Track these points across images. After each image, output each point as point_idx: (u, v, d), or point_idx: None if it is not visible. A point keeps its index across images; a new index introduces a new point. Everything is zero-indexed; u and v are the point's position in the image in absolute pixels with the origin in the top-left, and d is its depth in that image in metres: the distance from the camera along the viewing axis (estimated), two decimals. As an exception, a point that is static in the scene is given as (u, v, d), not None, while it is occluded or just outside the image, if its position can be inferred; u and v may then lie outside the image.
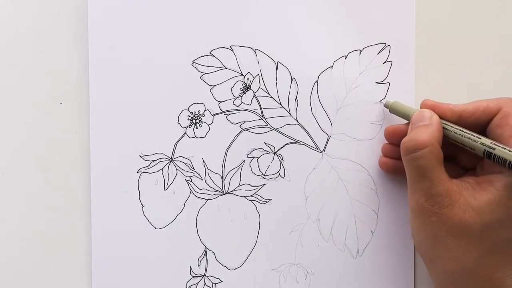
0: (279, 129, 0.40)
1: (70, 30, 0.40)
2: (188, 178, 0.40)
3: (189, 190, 0.40)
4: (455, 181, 0.33)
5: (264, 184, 0.40)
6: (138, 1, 0.39)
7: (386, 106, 0.39)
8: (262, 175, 0.40)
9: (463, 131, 0.34)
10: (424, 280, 0.40)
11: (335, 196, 0.40)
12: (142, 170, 0.40)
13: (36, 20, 0.40)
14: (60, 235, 0.40)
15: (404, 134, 0.36)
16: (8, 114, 0.40)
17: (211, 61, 0.40)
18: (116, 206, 0.39)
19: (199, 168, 0.40)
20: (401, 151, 0.34)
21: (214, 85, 0.40)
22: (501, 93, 0.41)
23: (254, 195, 0.40)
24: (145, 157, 0.40)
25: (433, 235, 0.33)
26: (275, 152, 0.40)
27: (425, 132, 0.34)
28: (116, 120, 0.39)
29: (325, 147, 0.40)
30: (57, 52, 0.40)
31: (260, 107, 0.40)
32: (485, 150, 0.33)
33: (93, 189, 0.39)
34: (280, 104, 0.40)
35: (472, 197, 0.32)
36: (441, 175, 0.33)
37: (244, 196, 0.40)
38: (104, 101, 0.39)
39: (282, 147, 0.40)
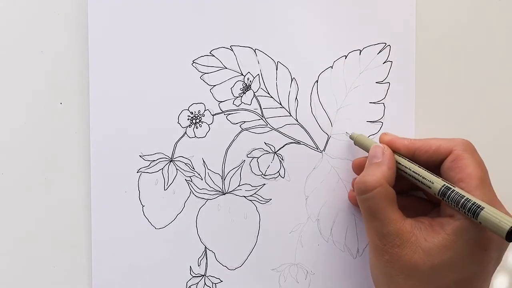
0: (279, 129, 0.40)
1: (70, 30, 0.40)
2: (188, 178, 0.40)
3: (189, 190, 0.40)
4: (408, 220, 0.33)
5: (264, 184, 0.40)
6: (138, 1, 0.39)
7: (351, 138, 0.39)
8: (262, 175, 0.40)
9: (416, 172, 0.34)
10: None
11: (335, 196, 0.40)
12: (142, 170, 0.40)
13: (36, 20, 0.40)
14: (60, 235, 0.40)
15: None
16: (8, 114, 0.40)
17: (211, 61, 0.40)
18: (116, 206, 0.39)
19: (199, 168, 0.40)
20: (354, 191, 0.35)
21: (214, 85, 0.40)
22: (502, 91, 0.42)
23: (254, 195, 0.40)
24: (145, 157, 0.40)
25: (386, 273, 0.33)
26: (275, 152, 0.40)
27: (375, 172, 0.34)
28: (116, 120, 0.39)
29: (325, 147, 0.40)
30: (57, 52, 0.40)
31: (260, 107, 0.40)
32: (439, 190, 0.33)
33: (93, 189, 0.39)
34: (280, 104, 0.40)
35: (423, 239, 0.32)
36: (391, 215, 0.33)
37: (244, 196, 0.40)
38: (104, 101, 0.39)
39: (282, 147, 0.40)
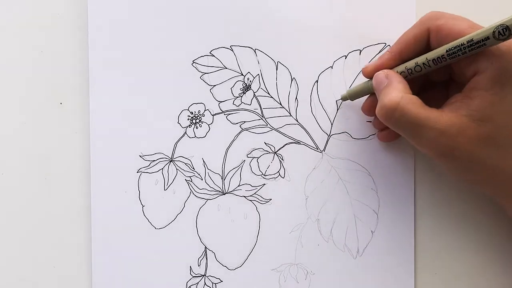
0: (279, 129, 0.40)
1: (70, 30, 0.40)
2: (188, 178, 0.40)
3: (189, 190, 0.40)
4: (446, 108, 0.33)
5: (264, 184, 0.40)
6: (138, 1, 0.39)
7: (343, 99, 0.39)
8: (262, 175, 0.40)
9: (415, 64, 0.34)
10: (425, 280, 0.40)
11: (335, 196, 0.40)
12: (142, 170, 0.40)
13: (36, 20, 0.40)
14: (60, 235, 0.40)
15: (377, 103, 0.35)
16: (8, 114, 0.40)
17: (211, 61, 0.40)
18: (116, 206, 0.39)
19: (199, 168, 0.40)
20: (382, 121, 0.34)
21: (214, 85, 0.40)
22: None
23: (254, 195, 0.40)
24: (145, 157, 0.40)
25: (467, 165, 0.32)
26: (275, 152, 0.40)
27: (390, 92, 0.33)
28: (116, 120, 0.39)
29: (325, 147, 0.40)
30: (57, 52, 0.40)
31: (260, 107, 0.40)
32: (449, 49, 0.32)
33: (93, 189, 0.39)
34: (280, 104, 0.40)
35: (472, 111, 0.32)
36: (431, 115, 0.32)
37: (244, 196, 0.40)
38: (104, 101, 0.39)
39: (282, 147, 0.40)
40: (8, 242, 0.40)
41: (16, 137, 0.40)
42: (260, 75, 0.40)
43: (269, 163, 0.40)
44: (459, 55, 0.32)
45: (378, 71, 0.35)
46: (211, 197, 0.40)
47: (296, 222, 0.40)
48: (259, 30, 0.40)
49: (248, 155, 0.40)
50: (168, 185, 0.40)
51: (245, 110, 0.40)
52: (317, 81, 0.40)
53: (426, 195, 0.40)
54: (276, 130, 0.40)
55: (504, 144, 0.32)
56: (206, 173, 0.40)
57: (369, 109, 0.38)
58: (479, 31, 0.31)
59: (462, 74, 0.34)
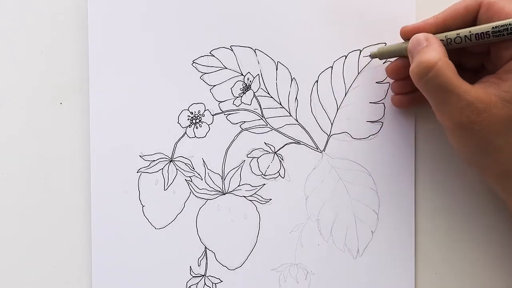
0: (279, 129, 0.40)
1: (70, 30, 0.40)
2: (188, 178, 0.40)
3: (189, 190, 0.40)
4: (477, 85, 0.33)
5: (264, 184, 0.40)
6: (138, 2, 0.39)
7: (372, 56, 0.38)
8: (262, 175, 0.40)
9: (459, 35, 0.33)
10: (425, 280, 0.40)
11: (335, 196, 0.40)
12: (142, 170, 0.40)
13: (36, 20, 0.40)
14: (60, 235, 0.40)
15: (407, 67, 0.35)
16: (8, 114, 0.40)
17: (211, 61, 0.40)
18: (116, 206, 0.39)
19: (199, 168, 0.40)
20: (413, 80, 0.33)
21: (214, 85, 0.40)
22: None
23: (254, 195, 0.40)
24: (145, 157, 0.40)
25: (482, 143, 0.32)
26: (275, 152, 0.40)
27: (429, 51, 0.32)
28: (116, 120, 0.39)
29: (325, 147, 0.40)
30: (57, 52, 0.40)
31: (260, 107, 0.40)
32: (494, 27, 0.32)
33: (93, 189, 0.39)
34: (280, 104, 0.40)
35: (502, 92, 0.32)
36: (462, 84, 0.32)
37: (244, 196, 0.40)
38: (104, 101, 0.39)
39: (282, 147, 0.40)
40: (8, 242, 0.40)
41: (16, 137, 0.40)
42: (260, 75, 0.40)
43: (269, 163, 0.40)
44: (503, 34, 0.32)
45: (420, 30, 0.35)
46: (211, 197, 0.40)
47: (296, 222, 0.40)
48: (259, 30, 0.40)
49: (248, 155, 0.40)
50: (168, 185, 0.40)
51: (245, 110, 0.40)
52: (317, 81, 0.40)
53: (426, 195, 0.40)
54: (276, 130, 0.40)
55: None
56: (206, 173, 0.40)
57: (395, 71, 0.37)
58: None
59: (499, 57, 0.33)
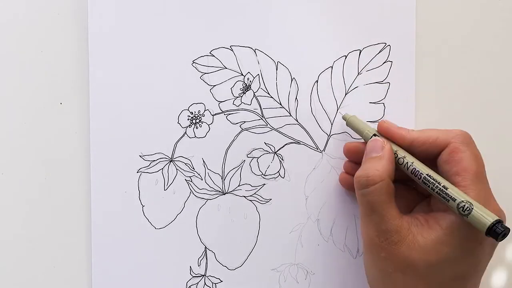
0: (279, 129, 0.40)
1: (70, 30, 0.40)
2: (188, 178, 0.40)
3: (189, 190, 0.40)
4: (405, 217, 0.33)
5: (264, 184, 0.40)
6: (138, 1, 0.39)
7: (344, 118, 0.39)
8: (262, 175, 0.40)
9: (411, 164, 0.34)
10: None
11: (335, 196, 0.40)
12: (142, 170, 0.40)
13: (36, 20, 0.40)
14: (60, 235, 0.40)
15: (362, 152, 0.36)
16: (8, 114, 0.40)
17: (211, 61, 0.40)
18: (116, 206, 0.39)
19: (199, 168, 0.40)
20: (354, 185, 0.34)
21: (214, 85, 0.40)
22: (502, 90, 0.42)
23: (254, 195, 0.40)
24: (145, 157, 0.40)
25: (383, 270, 0.33)
26: (275, 152, 0.40)
27: (377, 166, 0.34)
28: (116, 120, 0.39)
29: (325, 147, 0.40)
30: (57, 52, 0.40)
31: (260, 107, 0.40)
32: (426, 184, 0.33)
33: (93, 189, 0.39)
34: (280, 104, 0.40)
35: (420, 235, 0.32)
36: (391, 211, 0.33)
37: (244, 196, 0.40)
38: (104, 101, 0.39)
39: (282, 147, 0.40)
40: (8, 242, 0.40)
41: (16, 137, 0.40)
42: (260, 75, 0.40)
43: (269, 163, 0.40)
44: (432, 188, 0.33)
45: (389, 134, 0.36)
46: (211, 197, 0.40)
47: (296, 222, 0.40)
48: (259, 30, 0.40)
49: (248, 155, 0.40)
50: (168, 185, 0.40)
51: (245, 110, 0.40)
52: (317, 81, 0.40)
53: (426, 195, 0.40)
54: (276, 130, 0.40)
55: (419, 279, 0.32)
56: (206, 173, 0.40)
57: (352, 152, 0.38)
58: (457, 192, 0.31)
59: (434, 203, 0.35)
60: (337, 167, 0.40)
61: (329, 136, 0.40)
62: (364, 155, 0.35)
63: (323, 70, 0.40)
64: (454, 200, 0.31)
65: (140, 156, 0.39)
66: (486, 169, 0.34)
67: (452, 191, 0.32)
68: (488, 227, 0.29)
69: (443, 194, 0.32)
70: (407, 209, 0.36)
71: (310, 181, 0.40)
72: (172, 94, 0.39)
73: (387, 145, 0.35)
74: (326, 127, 0.40)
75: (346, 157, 0.39)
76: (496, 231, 0.29)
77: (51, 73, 0.40)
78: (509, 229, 0.30)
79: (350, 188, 0.39)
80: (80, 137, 0.40)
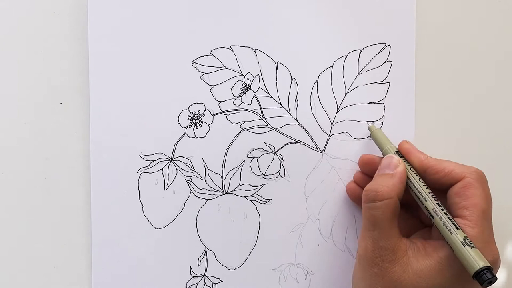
0: (279, 129, 0.40)
1: (70, 30, 0.40)
2: (188, 178, 0.40)
3: (189, 190, 0.40)
4: (404, 239, 0.34)
5: (264, 184, 0.40)
6: (138, 2, 0.39)
7: (369, 129, 0.39)
8: (262, 175, 0.40)
9: (417, 189, 0.35)
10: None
11: (335, 196, 0.40)
12: (142, 170, 0.40)
13: (36, 20, 0.40)
14: (60, 235, 0.40)
15: (376, 166, 0.36)
16: (8, 114, 0.40)
17: (211, 61, 0.40)
18: (116, 206, 0.39)
19: (199, 168, 0.40)
20: (362, 197, 0.35)
21: (214, 85, 0.40)
22: (502, 91, 0.42)
23: (254, 195, 0.40)
24: (145, 157, 0.40)
25: (370, 286, 0.33)
26: (275, 152, 0.40)
27: (388, 183, 0.34)
28: (116, 120, 0.39)
29: (325, 147, 0.40)
30: (57, 52, 0.40)
31: (260, 107, 0.40)
32: (430, 213, 0.33)
33: (93, 189, 0.39)
34: (280, 104, 0.40)
35: (415, 259, 0.32)
36: (392, 229, 0.33)
37: (244, 196, 0.40)
38: (104, 101, 0.39)
39: (282, 147, 0.40)
40: (8, 242, 0.40)
41: (16, 137, 0.40)
42: (260, 75, 0.40)
43: (269, 163, 0.40)
44: (436, 216, 0.33)
45: (407, 155, 0.36)
46: (211, 197, 0.40)
47: (296, 222, 0.40)
48: (259, 30, 0.40)
49: (248, 155, 0.40)
50: (168, 185, 0.40)
51: (245, 110, 0.40)
52: (317, 81, 0.40)
53: (426, 195, 0.40)
54: (276, 130, 0.40)
55: None
56: (206, 173, 0.40)
57: (367, 164, 0.38)
58: (460, 228, 0.32)
59: (435, 231, 0.35)
60: (337, 167, 0.40)
61: (329, 136, 0.40)
62: (378, 169, 0.36)
63: (323, 70, 0.40)
64: (457, 233, 0.31)
65: (140, 156, 0.39)
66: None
67: (457, 224, 0.32)
68: (476, 271, 0.30)
69: (446, 224, 0.32)
70: (406, 234, 0.36)
71: (310, 181, 0.40)
72: (172, 94, 0.39)
73: (402, 165, 0.35)
74: (326, 127, 0.40)
75: (360, 168, 0.39)
76: (483, 278, 0.30)
77: (51, 73, 0.40)
78: (496, 278, 0.30)
79: (355, 199, 0.39)
80: (80, 137, 0.40)
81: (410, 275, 0.32)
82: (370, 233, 0.33)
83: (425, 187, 0.35)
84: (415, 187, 0.35)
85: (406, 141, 0.38)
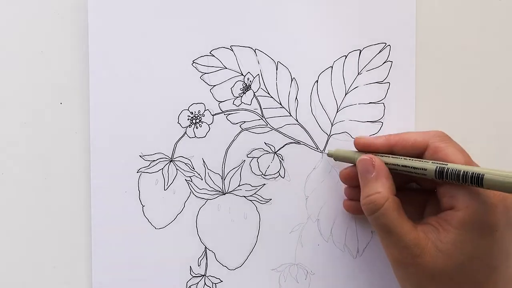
0: (279, 129, 0.40)
1: (70, 30, 0.40)
2: (188, 178, 0.40)
3: (189, 190, 0.40)
4: (420, 227, 0.33)
5: (264, 184, 0.40)
6: (138, 2, 0.39)
7: (329, 155, 0.39)
8: (262, 175, 0.40)
9: (406, 165, 0.34)
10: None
11: (335, 196, 0.40)
12: (142, 170, 0.40)
13: (36, 20, 0.40)
14: (60, 235, 0.40)
15: (357, 176, 0.36)
16: (8, 114, 0.40)
17: (211, 61, 0.40)
18: (116, 206, 0.39)
19: (199, 168, 0.40)
20: (363, 212, 0.35)
21: (214, 85, 0.40)
22: (502, 90, 0.42)
23: (254, 195, 0.40)
24: (145, 157, 0.40)
25: (416, 283, 0.33)
26: (275, 152, 0.40)
27: (377, 187, 0.34)
28: (116, 120, 0.39)
29: (325, 147, 0.40)
30: (57, 52, 0.40)
31: (260, 107, 0.40)
32: (437, 167, 0.33)
33: (93, 189, 0.39)
34: (280, 104, 0.40)
35: (439, 241, 0.32)
36: (405, 226, 0.33)
37: (244, 196, 0.40)
38: (104, 101, 0.39)
39: (282, 147, 0.40)
40: (8, 242, 0.40)
41: (16, 137, 0.40)
42: (260, 75, 0.40)
43: (269, 163, 0.40)
44: (445, 180, 0.32)
45: (370, 148, 0.36)
46: (211, 197, 0.40)
47: (296, 222, 0.40)
48: (259, 30, 0.40)
49: (248, 155, 0.40)
50: (168, 185, 0.40)
51: (245, 110, 0.40)
52: (317, 81, 0.40)
53: (426, 195, 0.40)
54: (276, 130, 0.40)
55: (454, 283, 0.32)
56: (206, 173, 0.40)
57: (348, 178, 0.38)
58: (461, 166, 0.32)
59: (442, 201, 0.34)
60: (337, 167, 0.40)
61: (329, 136, 0.40)
62: (359, 177, 0.36)
63: (323, 70, 0.40)
64: (465, 173, 0.31)
65: (140, 156, 0.39)
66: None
67: (456, 166, 0.32)
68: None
69: (452, 172, 0.31)
70: (418, 213, 0.36)
71: (310, 181, 0.40)
72: (172, 94, 0.39)
73: (376, 160, 0.35)
74: (326, 127, 0.40)
75: (344, 183, 0.39)
76: None
77: (51, 73, 0.40)
78: None
79: (358, 213, 0.39)
80: (80, 137, 0.40)
81: (443, 257, 0.32)
82: (388, 240, 0.33)
83: (407, 159, 0.34)
84: (398, 165, 0.34)
85: (357, 137, 0.38)
